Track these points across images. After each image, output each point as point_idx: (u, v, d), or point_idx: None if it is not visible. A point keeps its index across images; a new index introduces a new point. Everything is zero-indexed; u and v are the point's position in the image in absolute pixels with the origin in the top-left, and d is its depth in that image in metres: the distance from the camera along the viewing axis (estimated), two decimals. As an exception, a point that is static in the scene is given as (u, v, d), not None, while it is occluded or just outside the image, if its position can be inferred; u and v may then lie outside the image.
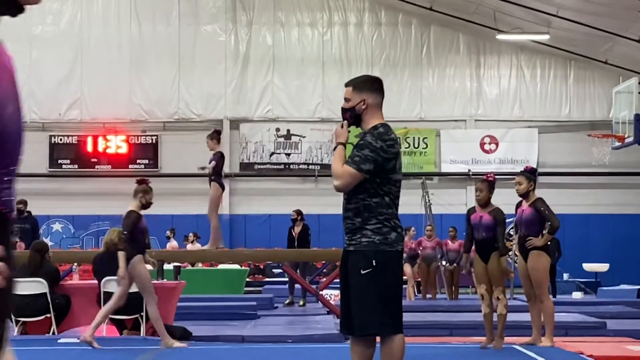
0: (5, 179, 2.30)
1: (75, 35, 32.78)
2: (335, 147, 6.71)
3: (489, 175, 12.74)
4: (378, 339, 6.64)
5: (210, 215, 15.89)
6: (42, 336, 13.25)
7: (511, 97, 33.29)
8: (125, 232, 12.09)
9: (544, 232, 12.06)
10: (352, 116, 6.69)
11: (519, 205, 12.42)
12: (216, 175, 15.60)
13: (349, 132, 6.74)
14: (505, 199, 30.25)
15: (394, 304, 6.54)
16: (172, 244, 25.51)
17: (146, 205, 12.42)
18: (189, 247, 25.33)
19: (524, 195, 12.21)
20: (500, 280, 12.09)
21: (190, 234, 26.39)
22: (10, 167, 2.29)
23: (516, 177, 12.45)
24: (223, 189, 15.91)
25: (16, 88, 2.33)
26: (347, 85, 6.79)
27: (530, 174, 12.28)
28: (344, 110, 6.75)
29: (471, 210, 12.38)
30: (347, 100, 6.70)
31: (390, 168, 6.52)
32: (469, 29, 32.77)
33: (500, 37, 31.01)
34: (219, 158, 15.63)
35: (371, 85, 6.72)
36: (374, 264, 6.39)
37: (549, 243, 12.14)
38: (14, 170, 2.32)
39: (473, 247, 12.33)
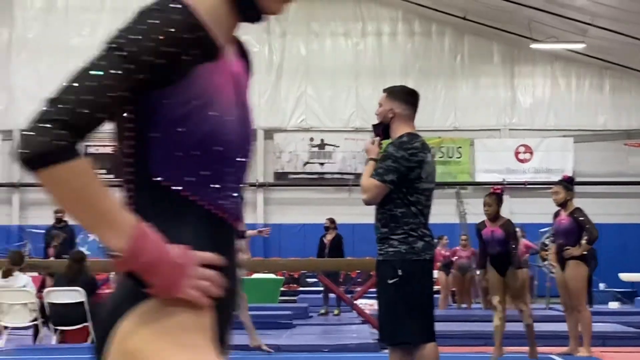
0: (230, 185, 2.34)
1: (110, 46, 32.91)
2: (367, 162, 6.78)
3: (495, 188, 12.66)
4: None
5: None
6: (81, 345, 13.32)
7: (546, 106, 33.17)
8: None
9: (581, 241, 12.00)
10: (383, 131, 6.74)
11: (557, 214, 12.36)
12: None
13: (381, 147, 6.78)
14: (540, 208, 30.37)
15: (424, 313, 6.56)
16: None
17: None
18: None
19: (562, 205, 12.14)
20: (522, 293, 12.00)
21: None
22: (234, 175, 2.32)
23: (553, 186, 12.39)
24: None
25: (243, 94, 2.39)
26: (384, 91, 6.86)
27: (568, 183, 12.23)
28: (374, 126, 6.81)
29: (481, 225, 12.23)
30: (379, 104, 6.76)
31: (414, 177, 6.53)
32: (503, 38, 32.69)
33: (534, 46, 30.91)
34: None
35: (403, 96, 6.76)
36: (400, 273, 6.43)
37: (586, 253, 12.08)
38: (238, 177, 2.36)
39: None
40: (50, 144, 2.17)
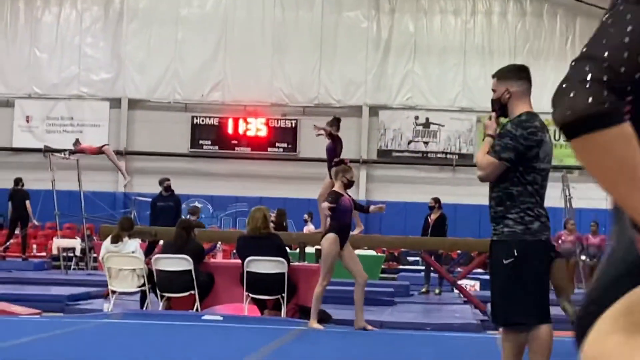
0: None
1: (219, 18, 33.25)
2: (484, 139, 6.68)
3: None
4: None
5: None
6: (186, 312, 13.49)
7: (657, 91, 32.49)
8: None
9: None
10: (499, 107, 6.65)
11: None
12: (335, 160, 15.23)
13: (498, 123, 6.70)
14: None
15: (539, 294, 6.49)
16: (310, 227, 25.67)
17: (348, 184, 12.52)
18: (305, 228, 25.53)
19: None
20: None
21: (306, 215, 26.62)
22: None
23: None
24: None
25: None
26: (493, 76, 6.75)
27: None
28: (492, 102, 6.71)
29: None
30: (493, 91, 6.67)
31: (532, 156, 6.44)
32: (616, 20, 32.06)
33: (648, 29, 30.26)
34: (339, 143, 15.28)
35: (515, 74, 6.66)
36: (516, 253, 6.35)
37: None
38: None
39: None
40: (594, 106, 1.97)
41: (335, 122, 15.57)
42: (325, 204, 12.25)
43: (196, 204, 32.24)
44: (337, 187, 12.58)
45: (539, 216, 6.48)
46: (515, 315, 6.47)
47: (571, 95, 2.00)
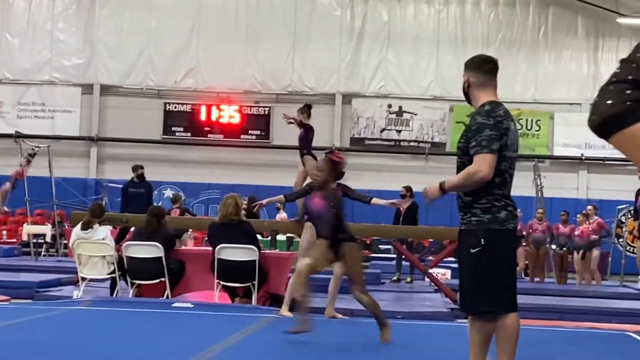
0: None
1: (193, 4, 33.14)
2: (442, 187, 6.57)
3: None
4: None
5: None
6: (157, 299, 13.47)
7: (629, 82, 32.65)
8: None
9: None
10: (465, 95, 6.75)
11: (640, 191, 12.15)
12: (308, 148, 15.28)
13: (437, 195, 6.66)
14: (619, 185, 29.96)
15: (506, 283, 6.53)
16: (282, 215, 25.69)
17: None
18: (277, 216, 25.52)
19: (648, 182, 11.92)
20: None
21: (278, 203, 26.55)
22: None
23: (640, 164, 12.12)
24: (316, 160, 15.61)
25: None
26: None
27: (654, 161, 11.96)
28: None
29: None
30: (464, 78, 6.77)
31: (502, 145, 6.48)
32: (589, 11, 32.21)
33: (620, 20, 30.42)
34: (311, 131, 15.24)
35: (476, 65, 6.72)
36: (483, 242, 6.38)
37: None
38: None
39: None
40: (614, 108, 2.08)
41: (306, 109, 15.51)
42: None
43: (168, 191, 32.20)
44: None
45: (507, 205, 6.51)
46: (483, 304, 6.50)
47: (597, 99, 2.10)
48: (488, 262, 6.40)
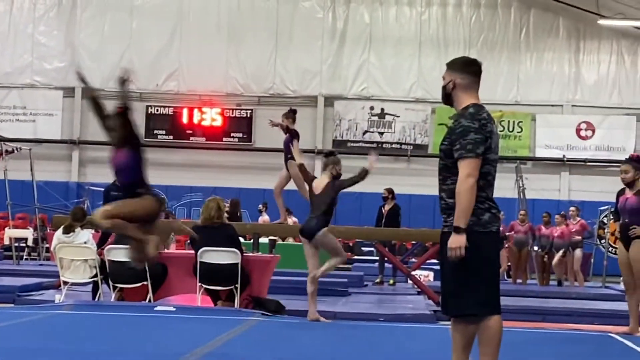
0: None
1: (174, 7, 33.10)
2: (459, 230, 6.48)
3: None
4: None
5: (301, 191, 15.83)
6: (139, 303, 13.42)
7: (610, 84, 32.78)
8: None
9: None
10: (444, 96, 6.72)
11: (621, 193, 12.13)
12: (291, 153, 15.33)
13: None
14: (601, 186, 30.03)
15: (490, 285, 6.52)
16: (264, 217, 25.62)
17: (337, 176, 12.71)
18: (260, 219, 25.48)
19: (630, 184, 11.92)
20: None
21: (260, 205, 26.55)
22: None
23: (622, 165, 12.13)
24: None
25: None
26: (446, 65, 6.81)
27: (637, 162, 11.99)
28: (442, 89, 6.77)
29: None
30: (443, 80, 6.72)
31: (487, 148, 6.48)
32: (570, 13, 32.31)
33: (602, 22, 30.53)
34: (296, 136, 15.32)
35: (462, 67, 6.70)
36: (467, 245, 6.36)
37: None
38: None
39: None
40: None
41: (291, 114, 15.58)
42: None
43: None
44: (327, 178, 12.79)
45: (490, 208, 6.50)
46: (467, 307, 6.49)
47: None
48: (472, 264, 6.39)
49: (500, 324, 6.52)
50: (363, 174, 13.21)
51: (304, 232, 12.82)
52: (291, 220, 23.27)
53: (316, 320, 12.43)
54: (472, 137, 6.39)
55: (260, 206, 27.14)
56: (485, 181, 6.47)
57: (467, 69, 6.68)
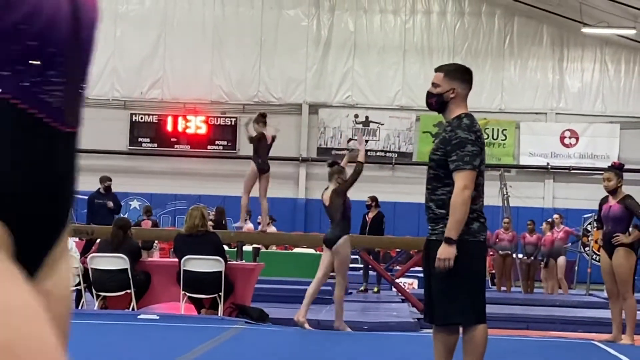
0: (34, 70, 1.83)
1: (159, 15, 33.07)
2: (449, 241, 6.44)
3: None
4: (461, 328, 6.62)
5: (243, 193, 16.21)
6: (122, 311, 13.39)
7: (594, 92, 32.90)
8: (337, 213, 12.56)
9: (630, 229, 11.86)
10: (437, 102, 6.61)
11: (604, 201, 12.16)
12: (254, 155, 15.74)
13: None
14: (584, 194, 30.11)
15: (476, 294, 6.52)
16: (248, 226, 25.52)
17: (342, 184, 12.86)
18: (244, 227, 25.42)
19: (612, 192, 11.94)
20: (627, 278, 11.81)
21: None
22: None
23: (605, 172, 12.17)
24: (258, 169, 15.78)
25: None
26: (437, 70, 6.70)
27: (619, 170, 12.04)
28: (429, 94, 6.65)
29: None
30: (435, 85, 6.59)
31: (481, 159, 6.48)
32: (553, 21, 32.42)
33: (585, 30, 30.63)
34: (257, 139, 15.63)
35: (462, 75, 6.66)
36: (456, 253, 6.35)
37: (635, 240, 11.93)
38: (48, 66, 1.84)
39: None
40: None
41: (260, 117, 15.85)
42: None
43: (135, 202, 32.08)
44: (333, 187, 12.89)
45: (479, 217, 6.50)
46: (453, 315, 6.48)
47: None
48: (460, 272, 6.37)
49: (486, 333, 6.52)
50: (359, 168, 13.32)
51: (325, 241, 12.92)
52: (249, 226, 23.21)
53: (301, 325, 12.41)
54: (470, 150, 6.37)
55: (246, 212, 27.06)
56: (476, 192, 6.46)
57: (466, 78, 6.64)
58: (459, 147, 6.39)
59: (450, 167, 6.41)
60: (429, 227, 6.63)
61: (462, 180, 6.37)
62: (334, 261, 12.59)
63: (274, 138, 15.74)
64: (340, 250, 12.48)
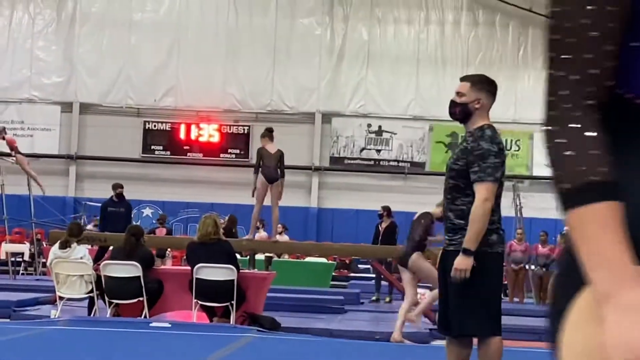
0: None
1: (173, 23, 33.14)
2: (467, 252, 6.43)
3: None
4: (475, 340, 6.58)
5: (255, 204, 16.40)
6: (134, 319, 13.40)
7: (608, 103, 32.83)
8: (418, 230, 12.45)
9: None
10: (461, 112, 6.56)
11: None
12: (260, 167, 16.04)
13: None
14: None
15: (493, 306, 6.48)
16: (262, 234, 25.52)
17: (441, 218, 12.84)
18: (257, 235, 25.44)
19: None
20: None
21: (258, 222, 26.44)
22: None
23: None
24: (267, 179, 16.06)
25: None
26: (464, 80, 6.65)
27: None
28: (454, 103, 6.60)
29: None
30: (460, 94, 6.54)
31: (502, 171, 6.46)
32: (568, 32, 32.37)
33: (599, 41, 30.54)
34: (261, 155, 16.06)
35: (488, 87, 6.62)
36: (474, 265, 6.31)
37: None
38: None
39: None
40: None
41: (266, 132, 16.25)
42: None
43: (147, 209, 32.14)
44: (432, 214, 12.90)
45: (498, 229, 6.47)
46: (469, 327, 6.43)
47: None
48: (478, 284, 6.33)
49: (501, 345, 6.48)
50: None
51: (400, 259, 13.03)
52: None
53: (400, 342, 12.49)
54: (492, 161, 6.34)
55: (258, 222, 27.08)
56: (495, 203, 6.43)
57: (491, 89, 6.61)
58: (481, 159, 6.36)
59: (472, 178, 6.37)
60: (447, 237, 6.59)
61: (483, 192, 6.33)
62: (413, 276, 12.68)
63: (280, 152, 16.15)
64: (414, 265, 12.52)
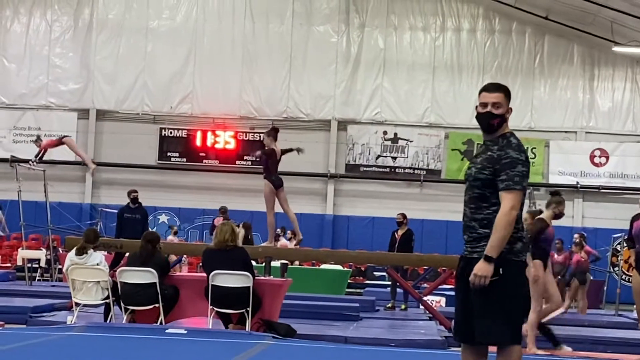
0: None
1: (189, 31, 33.23)
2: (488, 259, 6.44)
3: None
4: (491, 348, 6.54)
5: (267, 212, 16.23)
6: (150, 325, 13.41)
7: (624, 111, 32.75)
8: (529, 236, 12.49)
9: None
10: (500, 123, 6.50)
11: (635, 218, 12.05)
12: (266, 172, 15.90)
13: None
14: (614, 213, 29.99)
15: (516, 315, 6.42)
16: (282, 242, 25.45)
17: (558, 215, 12.84)
18: (279, 243, 25.43)
19: (646, 211, 11.84)
20: None
21: (279, 229, 26.41)
22: None
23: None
24: (275, 186, 15.96)
25: None
26: (495, 90, 6.56)
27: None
28: (492, 115, 6.49)
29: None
30: (497, 105, 6.46)
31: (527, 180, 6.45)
32: (584, 39, 32.32)
33: (616, 49, 30.51)
34: (268, 155, 15.88)
35: (510, 95, 6.62)
36: (501, 272, 6.28)
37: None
38: None
39: None
40: None
41: (272, 132, 16.11)
42: None
43: (163, 216, 32.20)
44: (546, 216, 12.81)
45: (522, 237, 6.43)
46: (492, 334, 6.38)
47: None
48: (502, 292, 6.28)
49: (521, 354, 6.43)
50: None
51: None
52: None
53: (534, 353, 12.46)
54: (520, 170, 6.31)
55: (279, 230, 27.05)
56: (520, 212, 6.41)
57: (510, 98, 6.61)
58: (509, 167, 6.33)
59: (499, 187, 6.33)
60: (469, 246, 6.51)
61: (510, 200, 6.30)
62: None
63: (283, 152, 16.13)
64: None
